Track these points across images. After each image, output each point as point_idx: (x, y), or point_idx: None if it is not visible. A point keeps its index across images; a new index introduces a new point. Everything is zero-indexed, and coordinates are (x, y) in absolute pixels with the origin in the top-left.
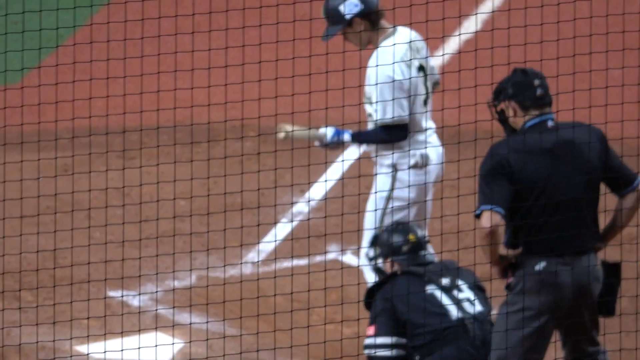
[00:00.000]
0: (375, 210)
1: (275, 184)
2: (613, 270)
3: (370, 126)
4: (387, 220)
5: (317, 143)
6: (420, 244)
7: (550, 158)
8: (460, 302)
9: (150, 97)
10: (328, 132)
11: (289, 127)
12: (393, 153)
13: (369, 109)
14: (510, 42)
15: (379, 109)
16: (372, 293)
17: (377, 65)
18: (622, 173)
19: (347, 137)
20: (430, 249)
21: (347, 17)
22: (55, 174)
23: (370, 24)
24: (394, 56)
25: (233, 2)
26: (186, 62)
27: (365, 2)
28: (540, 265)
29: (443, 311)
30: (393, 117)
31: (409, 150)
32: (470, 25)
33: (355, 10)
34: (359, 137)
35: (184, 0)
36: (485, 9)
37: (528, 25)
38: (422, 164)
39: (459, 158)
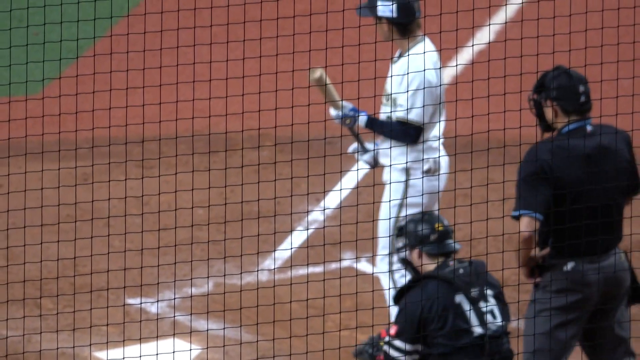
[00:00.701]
0: (390, 218)
1: (291, 192)
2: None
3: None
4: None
5: (332, 112)
6: (447, 232)
7: (588, 164)
8: (483, 315)
9: (169, 107)
10: (347, 105)
11: (323, 75)
12: (407, 157)
13: (385, 106)
14: (522, 52)
15: (403, 107)
16: (402, 293)
17: (421, 71)
18: (636, 178)
19: (363, 117)
20: (454, 240)
21: (379, 14)
22: (75, 183)
23: (398, 32)
24: (434, 59)
25: (250, 13)
26: (204, 72)
27: (401, 13)
28: (568, 266)
29: (467, 326)
30: (413, 118)
31: (423, 155)
32: (484, 37)
33: (387, 14)
34: (374, 123)
35: (202, 12)
36: (499, 19)
37: (540, 36)
38: (434, 170)
39: (471, 167)
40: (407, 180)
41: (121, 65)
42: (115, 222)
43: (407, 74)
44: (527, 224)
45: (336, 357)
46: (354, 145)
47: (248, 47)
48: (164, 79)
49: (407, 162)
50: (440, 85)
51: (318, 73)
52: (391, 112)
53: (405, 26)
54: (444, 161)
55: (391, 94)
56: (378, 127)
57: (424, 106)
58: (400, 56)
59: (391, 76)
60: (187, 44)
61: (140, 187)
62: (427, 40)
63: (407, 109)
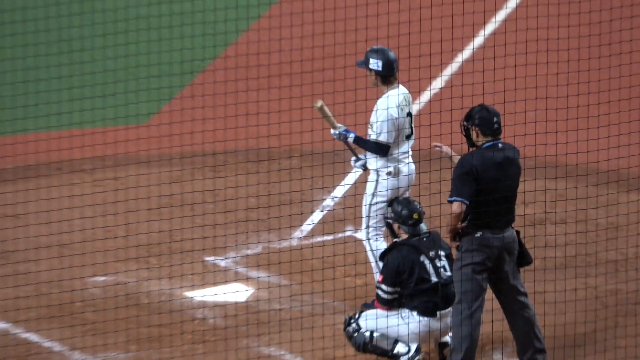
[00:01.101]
0: (364, 204)
1: (312, 187)
2: (517, 234)
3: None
4: (372, 210)
5: (332, 131)
6: (420, 220)
7: (499, 168)
8: (438, 269)
9: (231, 132)
10: (342, 126)
11: (323, 105)
12: (377, 163)
13: (370, 130)
14: (463, 93)
15: (377, 132)
16: (385, 253)
17: (386, 108)
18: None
19: (352, 136)
20: (424, 223)
21: (370, 67)
22: (170, 181)
23: (381, 81)
24: (396, 100)
25: (284, 68)
26: (254, 109)
27: (384, 68)
28: (478, 234)
29: (427, 276)
30: (382, 140)
31: (388, 163)
32: (437, 84)
33: (375, 67)
34: (359, 141)
35: (251, 69)
36: (448, 71)
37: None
38: (395, 173)
39: (429, 170)
40: (377, 178)
41: (199, 103)
42: (196, 207)
43: (377, 107)
44: (457, 206)
45: (342, 294)
46: (353, 157)
47: (284, 91)
48: (227, 112)
49: (377, 169)
50: (401, 117)
51: (320, 103)
52: (372, 133)
53: (386, 77)
54: (408, 167)
55: (370, 123)
56: (362, 143)
57: (388, 131)
58: (378, 98)
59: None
60: (243, 89)
61: (213, 184)
62: (401, 86)
63: (378, 134)
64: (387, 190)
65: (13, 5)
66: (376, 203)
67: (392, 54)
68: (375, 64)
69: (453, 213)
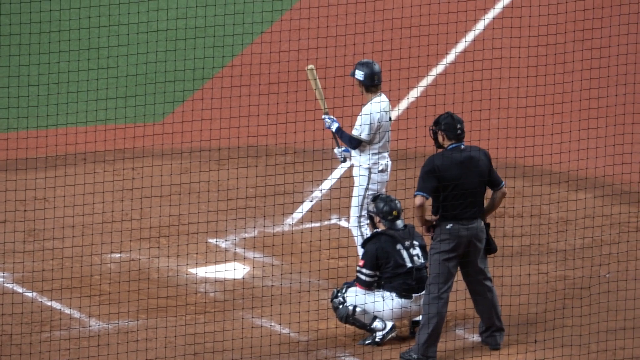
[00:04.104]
0: (358, 195)
1: (303, 180)
2: (487, 226)
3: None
4: (365, 202)
5: (324, 116)
6: (398, 217)
7: (462, 167)
8: (413, 256)
9: (234, 130)
10: (328, 115)
11: (314, 70)
12: (369, 161)
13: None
14: (436, 102)
15: (357, 128)
16: (366, 241)
17: (370, 113)
18: (495, 179)
19: (335, 125)
20: (401, 219)
21: (356, 77)
22: (180, 172)
23: (364, 88)
24: (379, 107)
25: (282, 77)
26: (255, 111)
27: (366, 79)
28: (448, 226)
29: (403, 262)
30: (359, 135)
31: (378, 160)
32: (414, 94)
33: (359, 77)
34: (340, 131)
35: (253, 77)
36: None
37: (447, 94)
38: (385, 169)
39: (405, 167)
40: (369, 173)
41: (206, 104)
42: (202, 195)
43: (362, 115)
44: (419, 199)
45: (326, 273)
46: (336, 147)
47: (281, 97)
48: (234, 114)
49: (369, 165)
50: (384, 120)
51: (311, 66)
52: (354, 130)
53: (368, 87)
54: (390, 164)
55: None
56: (340, 133)
57: (370, 133)
58: (364, 104)
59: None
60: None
61: (217, 176)
62: (383, 95)
63: (360, 131)
64: (377, 183)
65: (50, 17)
66: (368, 196)
67: (376, 67)
68: (360, 74)
69: (415, 205)
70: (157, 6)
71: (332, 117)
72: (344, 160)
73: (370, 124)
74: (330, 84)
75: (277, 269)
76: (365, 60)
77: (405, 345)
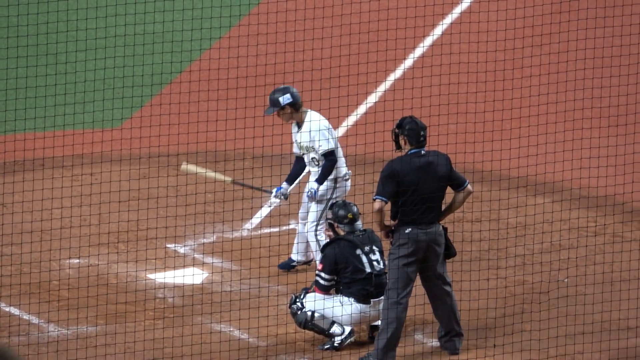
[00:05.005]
0: (323, 199)
1: (261, 185)
2: (445, 231)
3: (311, 166)
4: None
5: (275, 192)
6: (355, 219)
7: (421, 172)
8: (372, 261)
9: (192, 135)
10: (313, 185)
11: (196, 169)
12: (336, 172)
13: (312, 154)
14: (403, 106)
15: (323, 145)
16: (326, 246)
17: (318, 120)
18: (457, 180)
19: (316, 185)
20: (360, 221)
21: (282, 104)
22: (138, 178)
23: (294, 109)
24: (320, 114)
25: (240, 82)
26: (213, 116)
27: (293, 97)
28: (407, 230)
29: (362, 267)
30: (329, 148)
31: (345, 170)
32: (380, 90)
33: (287, 101)
34: (322, 178)
35: (211, 82)
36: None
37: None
38: (349, 177)
39: (364, 172)
40: (335, 184)
41: (164, 110)
42: (162, 201)
43: (309, 130)
44: (378, 204)
45: (285, 279)
46: (270, 191)
47: (239, 102)
48: (192, 120)
49: (335, 177)
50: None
51: (183, 166)
52: (316, 153)
53: (297, 105)
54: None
55: (307, 147)
56: (323, 176)
57: (327, 138)
58: (299, 125)
59: (300, 139)
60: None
61: (175, 181)
62: (312, 110)
63: (327, 145)
64: (345, 191)
65: (8, 23)
66: (331, 204)
67: (292, 88)
68: (287, 98)
69: (374, 209)
70: (115, 12)
71: (281, 187)
72: (287, 197)
73: (326, 129)
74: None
75: (235, 274)
76: (276, 89)
77: (365, 350)
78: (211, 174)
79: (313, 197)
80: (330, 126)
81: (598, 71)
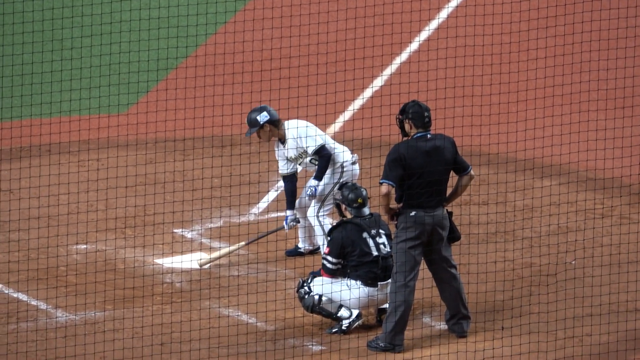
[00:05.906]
0: (327, 183)
1: (268, 169)
2: (449, 214)
3: (312, 167)
4: (330, 195)
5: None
6: (364, 204)
7: (427, 156)
8: (379, 245)
9: (199, 120)
10: (290, 213)
11: (211, 257)
12: (343, 157)
13: (306, 159)
14: (410, 90)
15: (311, 144)
16: (333, 229)
17: (305, 126)
18: (461, 164)
19: (315, 183)
20: (368, 206)
21: (261, 123)
22: (145, 163)
23: (274, 126)
24: (296, 123)
25: (246, 67)
26: (219, 101)
27: (270, 115)
28: (412, 213)
29: (369, 250)
30: (323, 143)
31: (352, 155)
32: (386, 74)
33: (265, 119)
34: (319, 175)
35: (217, 67)
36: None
37: (421, 82)
38: (356, 161)
39: (370, 156)
40: (342, 168)
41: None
42: (167, 186)
43: (293, 138)
44: (385, 188)
45: (292, 264)
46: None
47: (245, 87)
48: (198, 104)
49: (342, 162)
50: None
51: (200, 262)
52: (309, 156)
53: (276, 121)
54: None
55: (300, 153)
56: (321, 172)
57: (317, 134)
58: (281, 141)
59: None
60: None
61: (182, 166)
62: (287, 120)
63: (315, 143)
64: (353, 175)
65: (13, 9)
66: (337, 188)
67: (268, 106)
68: (263, 117)
69: (381, 193)
70: None
71: (288, 216)
72: (298, 222)
73: (308, 127)
74: (294, 74)
75: (242, 258)
76: (252, 109)
77: (372, 334)
78: (225, 250)
79: (313, 195)
80: (309, 123)
81: (604, 53)
